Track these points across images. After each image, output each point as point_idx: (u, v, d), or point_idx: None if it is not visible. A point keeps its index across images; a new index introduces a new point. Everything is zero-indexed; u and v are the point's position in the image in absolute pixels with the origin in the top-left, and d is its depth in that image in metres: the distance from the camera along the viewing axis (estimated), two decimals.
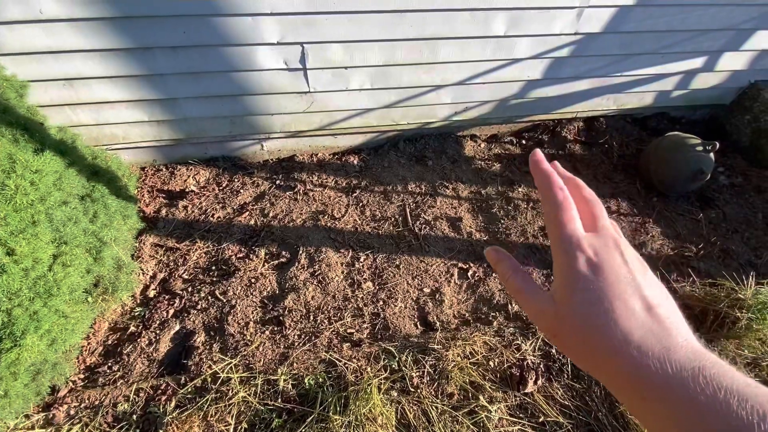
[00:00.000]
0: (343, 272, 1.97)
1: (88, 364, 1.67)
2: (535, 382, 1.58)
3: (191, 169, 2.40)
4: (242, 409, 1.50)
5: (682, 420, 0.26)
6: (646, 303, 0.30)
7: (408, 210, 2.26)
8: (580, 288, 0.32)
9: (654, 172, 2.39)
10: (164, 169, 2.40)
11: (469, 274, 1.99)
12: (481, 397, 1.53)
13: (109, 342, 1.73)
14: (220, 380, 1.57)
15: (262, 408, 1.50)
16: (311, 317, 1.79)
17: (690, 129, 2.68)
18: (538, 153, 0.40)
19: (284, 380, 1.57)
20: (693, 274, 2.03)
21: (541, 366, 1.63)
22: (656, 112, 2.85)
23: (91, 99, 1.94)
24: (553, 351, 1.69)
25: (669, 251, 2.16)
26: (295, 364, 1.63)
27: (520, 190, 2.42)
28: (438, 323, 1.80)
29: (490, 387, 1.57)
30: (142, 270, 1.92)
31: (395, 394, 1.54)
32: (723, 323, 1.73)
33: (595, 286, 0.31)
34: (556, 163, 0.41)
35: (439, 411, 1.50)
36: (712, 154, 2.26)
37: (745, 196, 2.48)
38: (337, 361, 1.62)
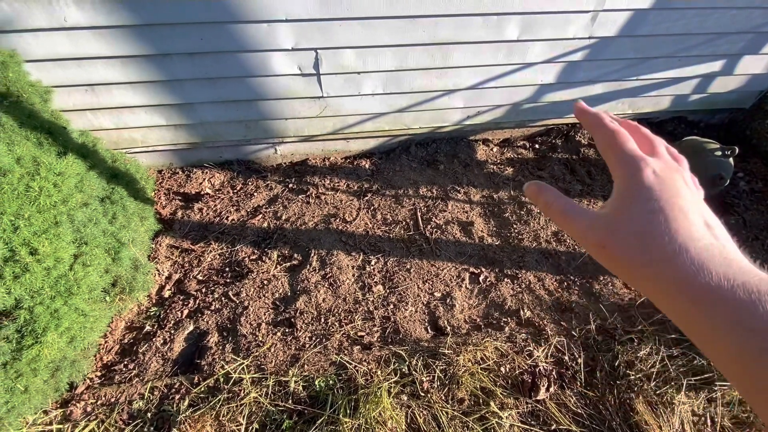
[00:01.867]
0: (353, 275, 1.98)
1: (105, 362, 1.71)
2: (548, 390, 1.56)
3: (206, 173, 2.45)
4: (253, 409, 1.52)
5: (738, 325, 0.25)
6: (705, 220, 0.31)
7: (419, 214, 2.26)
8: (643, 197, 0.31)
9: None
10: (180, 172, 2.45)
11: (481, 278, 1.98)
12: (492, 404, 1.52)
13: (126, 341, 1.77)
14: (232, 380, 1.59)
15: (273, 409, 1.51)
16: (322, 319, 1.80)
17: (708, 133, 2.63)
18: (581, 102, 0.40)
19: (295, 382, 1.58)
20: None
21: (554, 373, 1.61)
22: (673, 116, 2.80)
23: (112, 104, 1.99)
24: (566, 358, 1.66)
25: None
26: (305, 366, 1.64)
27: None
28: (449, 328, 1.79)
29: (501, 393, 1.55)
30: (158, 270, 1.97)
31: (405, 398, 1.54)
32: None
33: (658, 196, 0.31)
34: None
35: (450, 416, 1.49)
36: (731, 159, 2.20)
37: (765, 202, 2.42)
38: (347, 364, 1.63)
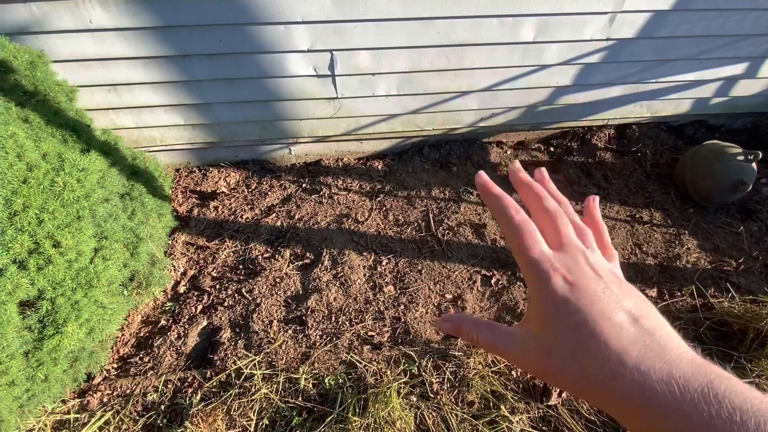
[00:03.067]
0: (365, 275, 1.99)
1: (121, 354, 1.75)
2: (560, 395, 1.54)
3: (222, 171, 2.49)
4: (264, 405, 1.54)
5: None
6: (631, 315, 0.28)
7: (431, 215, 2.26)
8: (561, 312, 0.29)
9: (691, 182, 2.30)
10: (197, 171, 2.50)
11: (493, 281, 1.97)
12: (502, 407, 1.50)
13: (142, 334, 1.81)
14: (243, 376, 1.61)
15: (283, 405, 1.52)
16: (333, 318, 1.81)
17: (730, 138, 2.56)
18: (482, 175, 0.38)
19: (305, 379, 1.59)
20: (732, 290, 1.92)
21: None
22: (693, 120, 2.74)
23: (133, 103, 2.05)
24: None
25: (706, 265, 2.06)
26: (316, 364, 1.65)
27: None
28: None
29: (512, 397, 1.53)
30: (173, 266, 2.01)
31: (414, 399, 1.53)
32: (764, 342, 1.63)
33: (576, 307, 0.29)
34: (516, 164, 0.39)
35: (459, 419, 1.48)
36: (754, 164, 2.15)
37: None
38: (357, 363, 1.63)
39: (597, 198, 0.41)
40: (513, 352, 0.32)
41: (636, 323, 0.28)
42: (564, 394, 1.55)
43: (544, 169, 0.41)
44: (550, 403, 1.53)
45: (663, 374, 0.25)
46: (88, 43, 1.76)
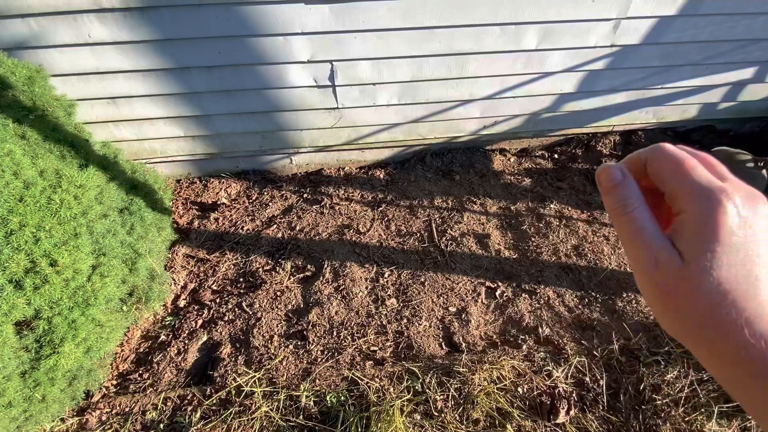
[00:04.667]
0: (367, 288, 1.96)
1: (120, 370, 1.73)
2: (567, 413, 1.49)
3: (223, 182, 2.48)
4: (264, 424, 1.51)
5: None
6: None
7: (434, 225, 2.23)
8: (725, 244, 0.26)
9: None
10: (198, 182, 2.49)
11: (497, 293, 1.93)
12: (508, 426, 1.46)
13: (141, 350, 1.79)
14: (243, 393, 1.58)
15: (284, 424, 1.49)
16: (334, 333, 1.78)
17: (738, 143, 2.51)
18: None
19: (306, 396, 1.56)
20: None
21: (574, 395, 1.55)
22: (701, 125, 2.69)
23: (133, 116, 2.04)
24: (587, 379, 1.59)
25: None
26: (317, 381, 1.62)
27: (552, 206, 2.34)
28: (464, 344, 1.74)
29: (518, 415, 1.49)
30: (173, 280, 1.99)
31: (418, 418, 1.50)
32: None
33: (744, 246, 0.26)
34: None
35: None
36: (764, 171, 2.10)
37: None
38: (359, 380, 1.60)
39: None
40: (652, 251, 0.29)
41: None
42: (572, 412, 1.51)
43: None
44: (557, 421, 1.48)
45: None
46: (87, 57, 1.76)
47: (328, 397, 1.56)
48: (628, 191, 0.31)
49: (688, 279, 0.27)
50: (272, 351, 1.72)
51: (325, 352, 1.71)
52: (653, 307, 0.29)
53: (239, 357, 1.71)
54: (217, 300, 1.92)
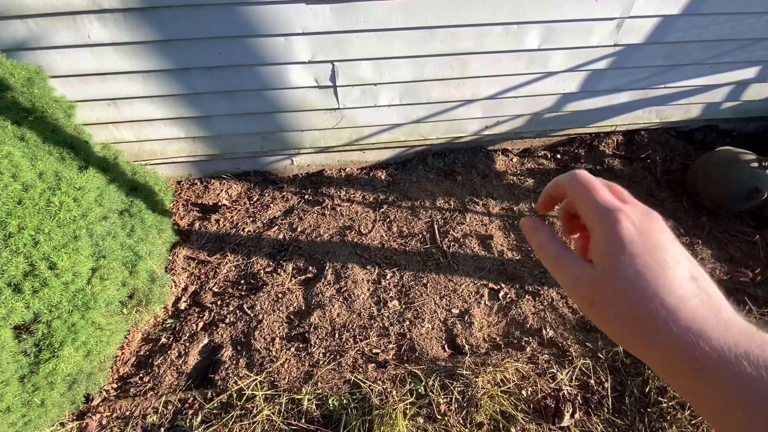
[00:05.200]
0: (368, 289, 1.94)
1: (121, 373, 1.71)
2: (572, 416, 1.48)
3: (224, 183, 2.46)
4: (266, 427, 1.49)
5: (749, 408, 0.24)
6: (692, 274, 0.29)
7: (436, 226, 2.21)
8: (627, 253, 0.30)
9: (703, 190, 2.23)
10: (199, 183, 2.47)
11: (500, 295, 1.91)
12: (512, 430, 1.44)
13: (142, 353, 1.78)
14: (245, 397, 1.57)
15: (286, 428, 1.48)
16: (336, 335, 1.76)
17: (742, 143, 2.49)
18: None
19: (308, 400, 1.55)
20: (749, 302, 1.85)
21: (579, 398, 1.53)
22: (704, 125, 2.67)
23: (133, 117, 2.03)
24: (592, 382, 1.58)
25: (722, 276, 1.99)
26: (319, 384, 1.60)
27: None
28: (467, 347, 1.73)
29: (522, 418, 1.48)
30: (174, 282, 1.97)
31: (421, 421, 1.48)
32: None
33: (640, 251, 0.30)
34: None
35: None
36: None
37: None
38: (361, 383, 1.58)
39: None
40: (570, 272, 0.34)
41: (695, 280, 0.29)
42: (577, 415, 1.49)
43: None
44: (562, 425, 1.47)
45: (717, 332, 0.26)
46: (86, 58, 1.74)
47: (330, 401, 1.54)
48: (541, 234, 0.38)
49: (604, 284, 0.31)
50: (274, 354, 1.71)
51: (327, 355, 1.70)
52: (591, 319, 0.33)
53: (240, 360, 1.69)
54: (218, 302, 1.90)
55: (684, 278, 0.28)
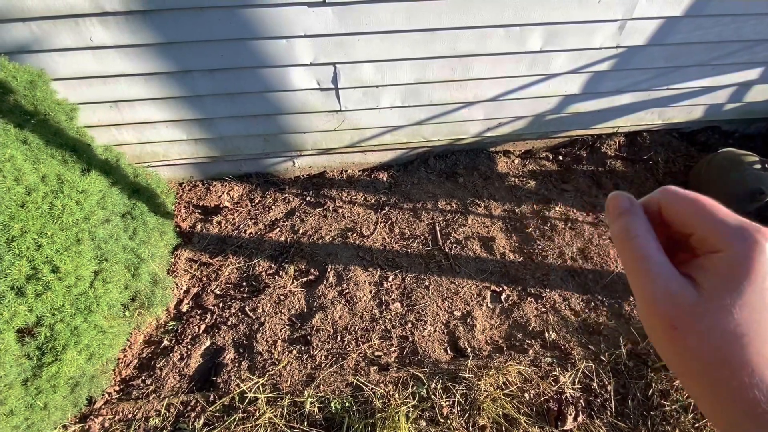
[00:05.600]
0: (371, 292, 1.94)
1: (123, 376, 1.71)
2: (575, 419, 1.47)
3: (226, 185, 2.46)
4: (268, 431, 1.49)
5: None
6: None
7: (438, 228, 2.21)
8: (755, 285, 0.25)
9: (706, 192, 2.19)
10: (200, 185, 2.47)
11: (503, 297, 1.91)
12: None
13: (144, 355, 1.78)
14: (247, 400, 1.57)
15: (288, 431, 1.48)
16: (338, 338, 1.76)
17: (744, 144, 2.49)
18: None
19: (311, 403, 1.54)
20: None
21: (582, 401, 1.53)
22: (706, 126, 2.67)
23: (135, 119, 2.03)
24: (594, 385, 1.57)
25: None
26: (321, 387, 1.60)
27: (557, 208, 2.32)
28: (469, 349, 1.72)
29: (525, 422, 1.47)
30: (176, 284, 1.97)
31: (424, 424, 1.48)
32: None
33: None
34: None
35: None
36: None
37: None
38: (364, 386, 1.58)
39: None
40: (657, 282, 0.27)
41: None
42: (580, 418, 1.49)
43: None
44: (565, 428, 1.47)
45: None
46: (88, 61, 1.75)
47: (332, 404, 1.54)
48: (635, 218, 0.30)
49: (703, 314, 0.25)
50: (276, 356, 1.70)
51: (330, 358, 1.70)
52: (654, 338, 0.28)
53: (243, 362, 1.69)
54: (220, 304, 1.90)
55: None
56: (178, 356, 1.73)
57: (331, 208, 2.33)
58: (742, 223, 0.26)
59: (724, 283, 0.26)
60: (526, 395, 1.55)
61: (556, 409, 1.50)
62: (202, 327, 1.83)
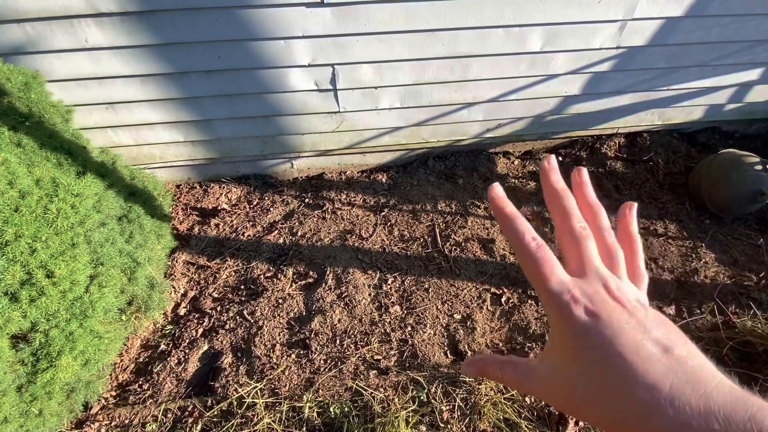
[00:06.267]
0: (370, 295, 1.92)
1: (120, 381, 1.70)
2: (576, 423, 1.46)
3: (224, 187, 2.45)
4: None
5: None
6: (660, 345, 0.26)
7: (437, 230, 2.20)
8: (584, 346, 0.27)
9: (706, 192, 2.22)
10: (198, 187, 2.45)
11: (503, 300, 1.90)
12: None
13: (141, 359, 1.76)
14: (245, 405, 1.55)
15: None
16: (337, 341, 1.75)
17: (745, 144, 2.48)
18: (496, 188, 0.34)
19: (309, 408, 1.53)
20: (754, 306, 1.84)
21: None
22: (706, 127, 2.66)
23: (132, 121, 2.01)
24: None
25: (725, 279, 1.97)
26: (320, 391, 1.58)
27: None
28: (470, 353, 1.71)
29: (526, 426, 1.46)
30: (173, 288, 1.96)
31: (424, 429, 1.46)
32: None
33: (599, 340, 0.27)
34: (551, 161, 0.35)
35: None
36: None
37: None
38: (363, 390, 1.56)
39: (635, 206, 0.37)
40: (538, 387, 0.31)
41: (666, 353, 0.25)
42: (581, 423, 1.47)
43: (584, 170, 0.36)
44: None
45: (700, 408, 0.23)
46: (84, 62, 1.73)
47: (331, 408, 1.53)
48: (492, 369, 0.35)
49: (572, 392, 0.28)
50: (274, 360, 1.69)
51: (328, 362, 1.68)
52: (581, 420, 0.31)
53: (241, 367, 1.68)
54: (218, 308, 1.89)
55: (653, 354, 0.25)
56: (176, 361, 1.71)
57: (329, 210, 2.31)
58: (557, 287, 0.29)
59: (564, 356, 0.29)
60: (527, 399, 1.54)
61: (557, 413, 1.49)
62: (200, 331, 1.81)
